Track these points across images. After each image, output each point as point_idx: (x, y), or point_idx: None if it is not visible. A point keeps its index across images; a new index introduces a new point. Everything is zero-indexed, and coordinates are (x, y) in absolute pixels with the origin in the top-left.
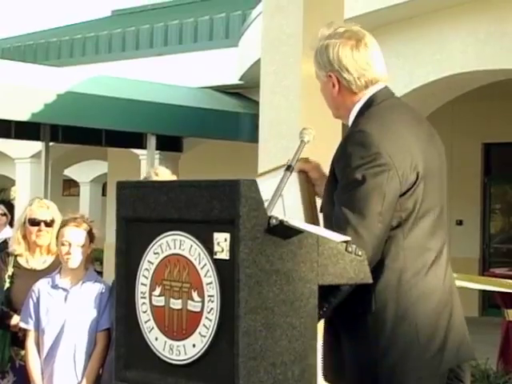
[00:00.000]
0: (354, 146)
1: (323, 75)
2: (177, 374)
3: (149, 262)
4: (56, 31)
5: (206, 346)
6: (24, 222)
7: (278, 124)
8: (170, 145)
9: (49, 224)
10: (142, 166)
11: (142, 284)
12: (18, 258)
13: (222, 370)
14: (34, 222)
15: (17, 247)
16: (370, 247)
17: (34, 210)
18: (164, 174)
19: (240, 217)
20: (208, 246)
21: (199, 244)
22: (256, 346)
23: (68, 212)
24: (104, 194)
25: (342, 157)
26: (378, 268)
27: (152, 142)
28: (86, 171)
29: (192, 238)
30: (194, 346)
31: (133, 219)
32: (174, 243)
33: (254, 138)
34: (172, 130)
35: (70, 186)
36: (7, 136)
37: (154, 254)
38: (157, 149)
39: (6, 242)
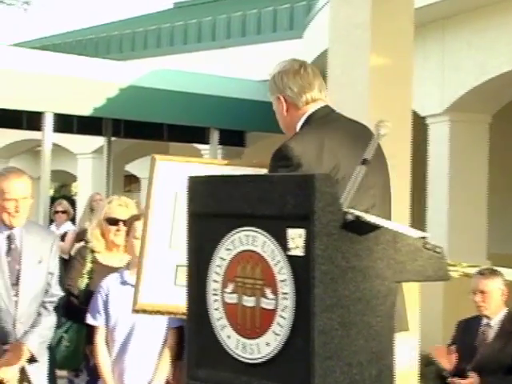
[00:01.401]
0: (277, 161)
1: (274, 99)
2: (250, 373)
3: (221, 258)
4: (117, 24)
5: (281, 344)
6: (102, 220)
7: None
8: (232, 139)
9: (127, 223)
10: None
11: (214, 281)
12: (96, 255)
13: (297, 370)
14: (113, 222)
15: (96, 244)
16: None
17: (112, 209)
18: None
19: (315, 212)
20: (282, 242)
21: (272, 240)
22: (332, 345)
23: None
24: None
25: (269, 171)
26: None
27: (215, 136)
28: (147, 167)
29: (265, 233)
30: (267, 344)
31: (204, 215)
32: (247, 239)
33: None
34: (235, 124)
35: (131, 181)
36: (69, 131)
37: (226, 250)
38: (219, 143)
39: (65, 235)
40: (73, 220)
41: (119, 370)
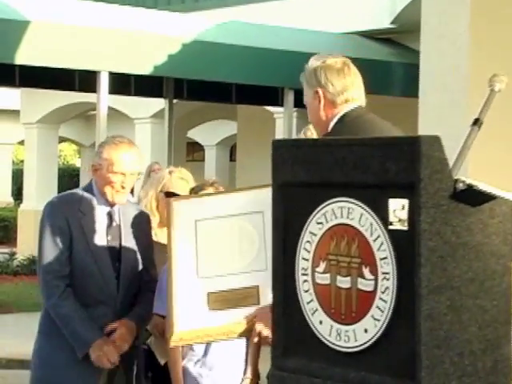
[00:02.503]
0: None
1: (311, 93)
2: (345, 363)
3: (311, 233)
4: None
5: (381, 331)
6: (159, 192)
7: (442, 74)
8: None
9: None
10: (278, 126)
11: (304, 259)
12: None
13: (400, 360)
14: (172, 196)
15: (151, 217)
16: None
17: (173, 183)
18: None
19: (421, 180)
20: (382, 214)
21: (371, 212)
22: (440, 331)
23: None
24: (232, 158)
25: None
26: None
27: (289, 97)
28: (211, 133)
29: (362, 205)
30: (365, 331)
31: (292, 184)
32: (341, 211)
33: (408, 91)
34: None
35: (194, 149)
36: (126, 93)
37: (318, 224)
38: (295, 106)
39: None
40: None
41: (204, 363)
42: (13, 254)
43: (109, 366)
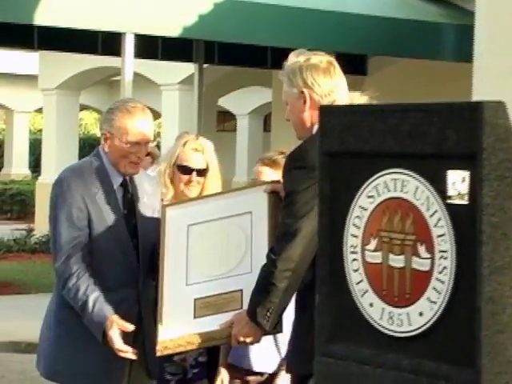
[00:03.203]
0: (293, 161)
1: (295, 92)
2: (398, 349)
3: (361, 207)
4: None
5: (437, 314)
6: (173, 165)
7: (500, 36)
8: (351, 66)
9: (201, 173)
10: None
11: (353, 236)
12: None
13: (458, 347)
14: (185, 170)
15: (164, 191)
16: None
17: (186, 154)
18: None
19: (483, 150)
20: (439, 187)
21: (428, 185)
22: (503, 316)
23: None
24: (266, 128)
25: (283, 173)
26: None
27: None
28: (244, 101)
29: (418, 177)
30: (420, 314)
31: (340, 154)
32: (395, 184)
33: (459, 55)
34: (355, 47)
35: (225, 119)
36: (153, 57)
37: (368, 197)
38: None
39: None
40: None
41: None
42: (30, 231)
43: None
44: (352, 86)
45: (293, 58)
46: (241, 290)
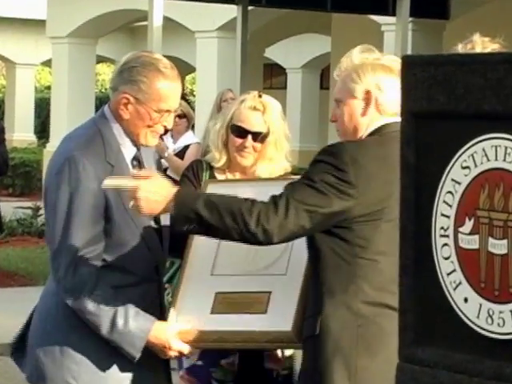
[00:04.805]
0: (324, 154)
1: (359, 92)
2: (499, 354)
3: (454, 181)
4: None
5: None
6: (227, 126)
7: None
8: (430, 9)
9: (259, 137)
10: (387, 42)
11: (443, 215)
12: (216, 172)
13: None
14: (239, 132)
15: (217, 156)
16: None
17: (242, 113)
18: None
19: None
20: None
21: None
22: None
23: None
24: (323, 85)
25: (311, 164)
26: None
27: (404, 4)
28: (296, 51)
29: None
30: None
31: (428, 114)
32: (496, 152)
33: None
34: None
35: (274, 73)
36: None
37: (463, 168)
38: (411, 15)
39: (186, 150)
40: (193, 128)
41: None
42: (37, 210)
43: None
44: (431, 33)
45: (357, 54)
46: (269, 293)
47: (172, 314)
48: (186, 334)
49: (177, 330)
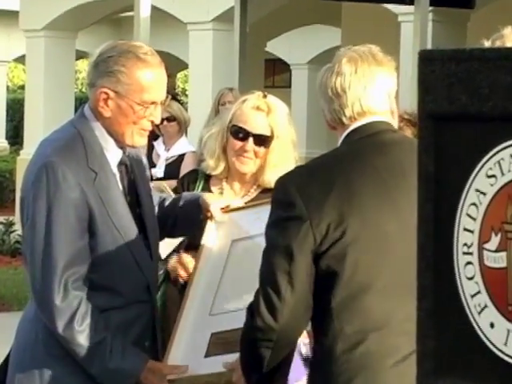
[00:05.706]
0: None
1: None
2: None
3: (478, 191)
4: None
5: None
6: (226, 128)
7: None
8: None
9: (261, 140)
10: (404, 34)
11: (466, 230)
12: (212, 182)
13: None
14: (239, 134)
15: (212, 164)
16: None
17: (244, 113)
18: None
19: None
20: None
21: None
22: None
23: None
24: None
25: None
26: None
27: None
28: (302, 45)
29: None
30: None
31: (449, 117)
32: None
33: None
34: None
35: (276, 69)
36: None
37: (488, 177)
38: (431, 4)
39: (181, 160)
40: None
41: None
42: (10, 225)
43: None
44: (454, 24)
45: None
46: None
47: (166, 357)
48: (177, 379)
49: (168, 374)
